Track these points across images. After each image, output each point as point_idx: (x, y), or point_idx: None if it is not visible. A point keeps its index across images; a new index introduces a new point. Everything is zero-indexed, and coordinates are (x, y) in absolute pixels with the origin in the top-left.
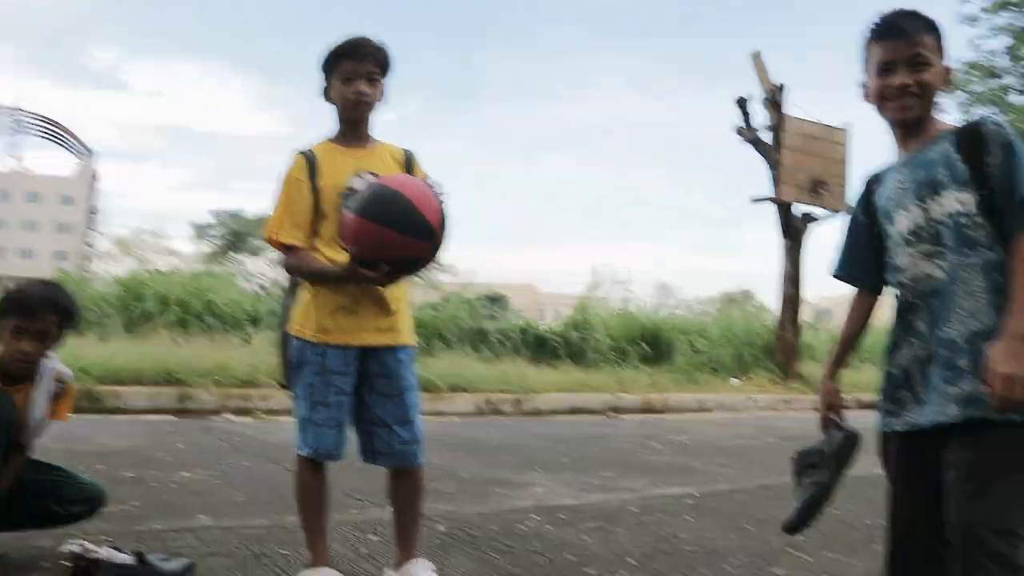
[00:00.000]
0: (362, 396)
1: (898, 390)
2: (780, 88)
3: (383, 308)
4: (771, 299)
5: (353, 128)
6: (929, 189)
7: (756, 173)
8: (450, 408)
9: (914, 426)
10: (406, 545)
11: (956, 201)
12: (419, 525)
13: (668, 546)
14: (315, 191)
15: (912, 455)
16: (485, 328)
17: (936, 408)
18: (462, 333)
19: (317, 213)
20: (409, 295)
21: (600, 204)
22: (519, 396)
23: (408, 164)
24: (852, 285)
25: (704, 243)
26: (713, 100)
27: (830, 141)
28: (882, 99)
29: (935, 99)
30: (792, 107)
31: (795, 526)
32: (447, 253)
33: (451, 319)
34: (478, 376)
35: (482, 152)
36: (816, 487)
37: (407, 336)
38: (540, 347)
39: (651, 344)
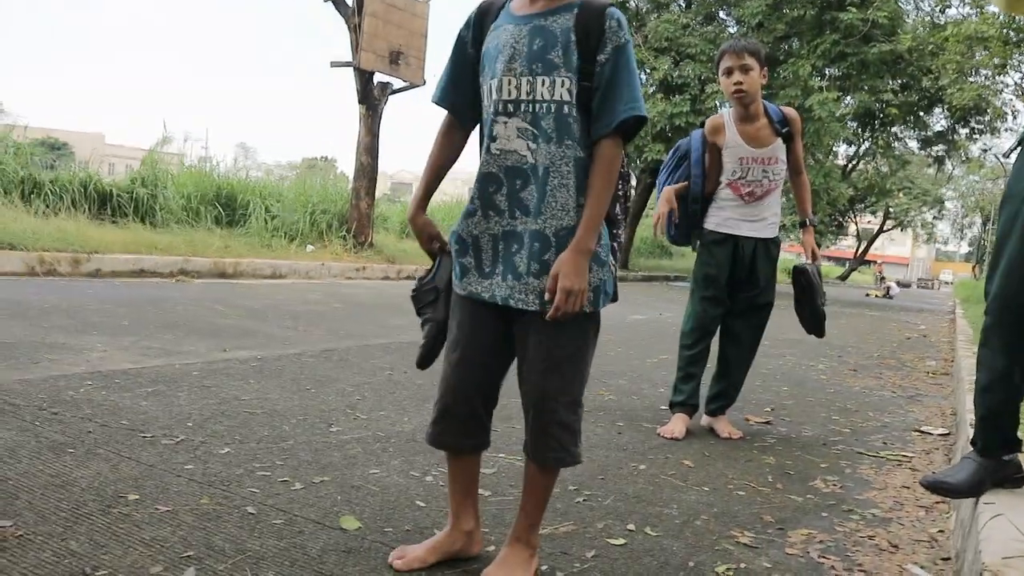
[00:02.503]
0: None
1: (463, 255)
2: None
3: None
4: (350, 168)
5: None
6: (541, 65)
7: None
8: None
9: (476, 296)
10: None
11: (564, 88)
12: None
13: (228, 408)
14: None
15: (479, 322)
16: (39, 179)
17: (517, 294)
18: (9, 183)
19: None
20: None
21: (180, 54)
22: (77, 255)
23: None
24: (452, 114)
25: (292, 105)
26: None
27: (411, 13)
28: None
29: None
30: None
31: (422, 363)
32: None
33: None
34: (28, 232)
35: None
36: (434, 323)
37: None
38: (104, 203)
39: (226, 206)
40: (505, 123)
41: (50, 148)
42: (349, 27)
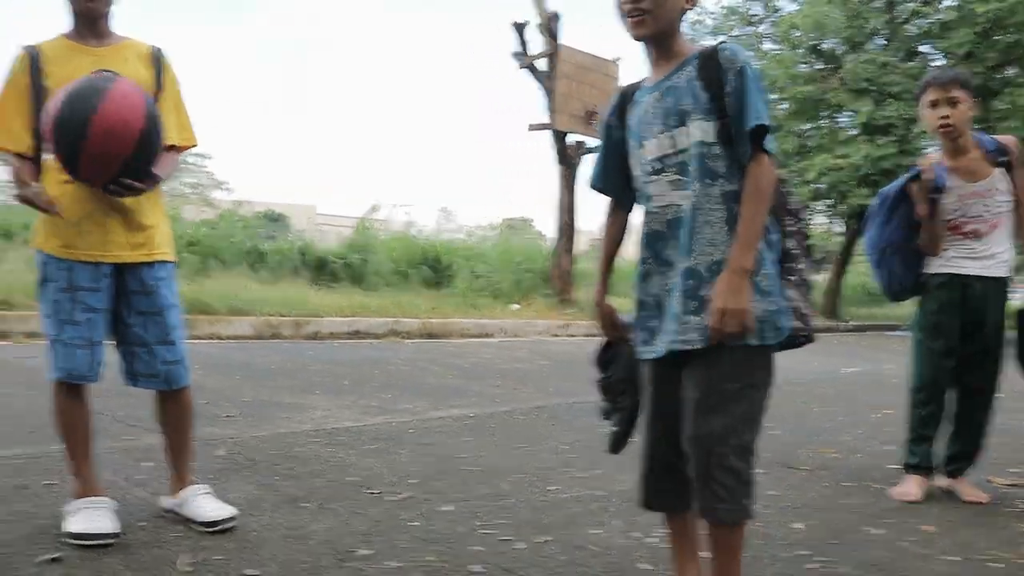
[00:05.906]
0: (121, 315)
1: (650, 319)
2: (555, 16)
3: (132, 221)
4: (549, 226)
5: (90, 23)
6: (676, 117)
7: (537, 100)
8: (228, 331)
9: (658, 355)
10: (180, 470)
11: (700, 130)
12: (191, 449)
13: (447, 465)
14: (40, 92)
15: (662, 380)
16: (263, 248)
17: (679, 336)
18: (238, 253)
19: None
20: (164, 208)
21: (382, 123)
22: (299, 319)
23: (156, 63)
24: (610, 197)
25: (488, 167)
26: (495, 23)
27: (603, 72)
28: (622, 15)
29: (674, 17)
30: (566, 37)
31: (615, 448)
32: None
33: (226, 239)
34: (256, 298)
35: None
36: (626, 411)
37: (165, 251)
38: (320, 269)
39: (432, 268)
40: (656, 180)
41: (270, 220)
42: (544, 91)
